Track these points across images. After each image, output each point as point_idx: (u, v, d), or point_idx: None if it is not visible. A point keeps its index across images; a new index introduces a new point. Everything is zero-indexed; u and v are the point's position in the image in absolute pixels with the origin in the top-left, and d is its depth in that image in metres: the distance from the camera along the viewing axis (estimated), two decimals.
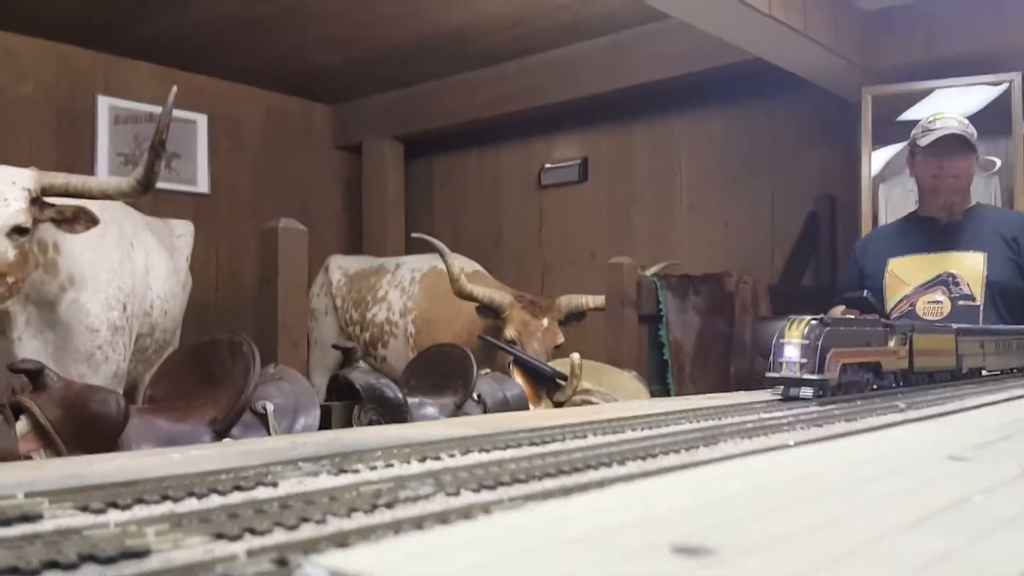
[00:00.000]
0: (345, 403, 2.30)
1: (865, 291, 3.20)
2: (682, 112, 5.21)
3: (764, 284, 4.43)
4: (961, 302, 3.15)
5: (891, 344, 1.98)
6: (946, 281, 3.18)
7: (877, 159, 4.17)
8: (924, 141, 3.22)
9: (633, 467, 1.05)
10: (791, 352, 1.71)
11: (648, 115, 5.33)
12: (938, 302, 3.16)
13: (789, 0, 3.58)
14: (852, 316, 3.25)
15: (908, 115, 3.97)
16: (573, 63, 5.07)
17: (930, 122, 3.22)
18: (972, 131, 3.17)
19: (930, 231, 3.29)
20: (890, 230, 3.55)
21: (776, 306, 4.21)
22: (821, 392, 1.70)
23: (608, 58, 4.93)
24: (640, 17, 4.54)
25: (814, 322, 1.73)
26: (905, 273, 3.28)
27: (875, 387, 1.93)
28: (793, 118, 4.81)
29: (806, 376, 1.69)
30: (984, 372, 2.52)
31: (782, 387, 1.75)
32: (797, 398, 1.69)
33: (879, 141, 4.13)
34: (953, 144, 3.15)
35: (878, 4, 4.13)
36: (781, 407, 1.61)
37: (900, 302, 3.25)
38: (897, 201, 3.87)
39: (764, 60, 4.04)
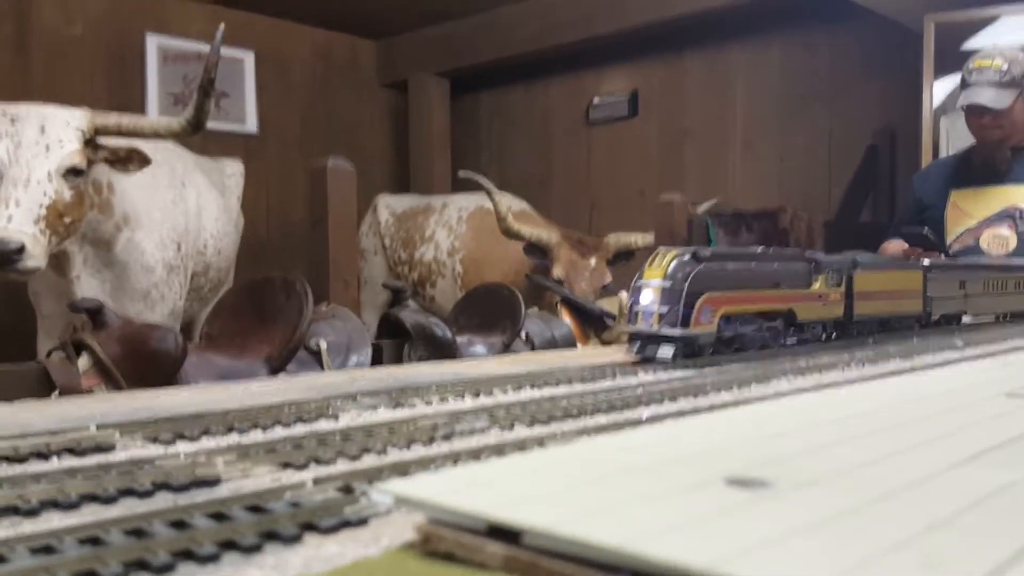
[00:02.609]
0: (396, 341, 2.34)
1: (925, 227, 3.13)
2: (738, 42, 5.07)
3: (820, 220, 4.35)
4: None
5: (816, 285, 1.57)
6: (1012, 215, 3.09)
7: (939, 90, 4.03)
8: (959, 101, 3.13)
9: (685, 403, 1.05)
10: (648, 298, 1.34)
11: (702, 45, 5.20)
12: (1004, 236, 3.08)
13: None
14: (905, 251, 3.21)
15: (972, 43, 3.82)
16: None
17: (968, 72, 3.10)
18: (1014, 72, 3.03)
19: (994, 163, 3.19)
20: (951, 162, 3.45)
21: (832, 243, 4.14)
22: (687, 352, 1.34)
23: None
24: None
25: (684, 256, 1.35)
26: (969, 205, 3.19)
27: (785, 343, 1.53)
28: (854, 47, 4.66)
29: (665, 331, 1.32)
30: (967, 319, 2.10)
31: (638, 345, 1.37)
32: (653, 359, 1.33)
33: (942, 71, 3.99)
34: (983, 107, 3.04)
35: None
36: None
37: (963, 235, 3.17)
38: (960, 133, 3.74)
39: None
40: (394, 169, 6.31)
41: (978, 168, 3.23)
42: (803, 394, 1.09)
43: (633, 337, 1.38)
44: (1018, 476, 0.58)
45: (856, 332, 1.70)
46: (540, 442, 0.82)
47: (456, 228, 4.60)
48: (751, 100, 5.09)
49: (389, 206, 5.00)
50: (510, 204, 3.94)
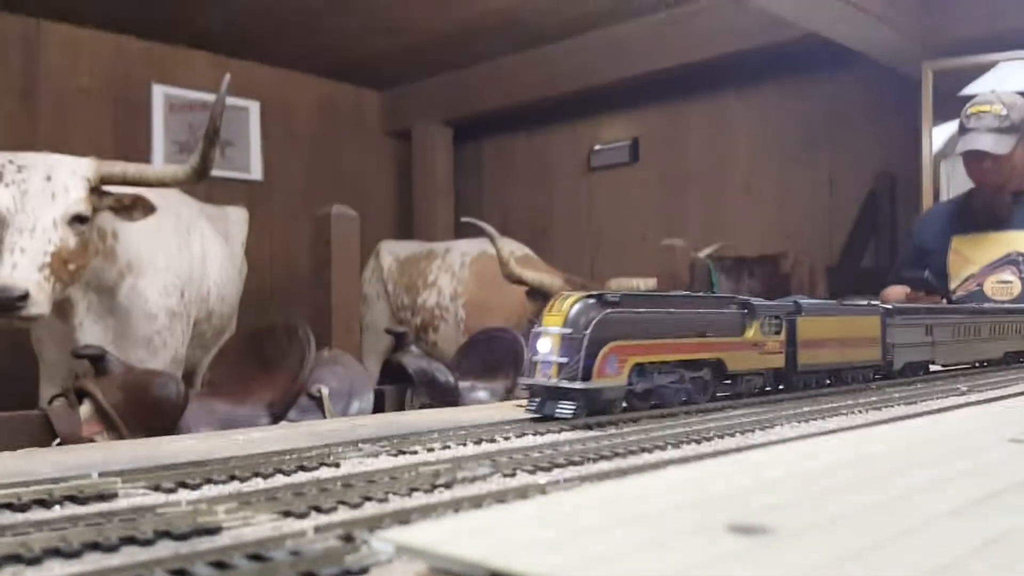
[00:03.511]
0: (398, 387, 2.33)
1: (926, 271, 3.12)
2: (737, 89, 5.14)
3: (821, 265, 4.36)
4: None
5: (750, 333, 1.43)
6: (1016, 260, 3.09)
7: (939, 135, 4.07)
8: (958, 148, 3.15)
9: (688, 450, 1.05)
10: (546, 347, 1.21)
11: (701, 93, 5.26)
12: (1008, 282, 3.06)
13: None
14: (908, 296, 3.20)
15: (970, 89, 3.87)
16: (623, 42, 5.02)
17: (967, 117, 3.11)
18: (1013, 117, 3.05)
19: (994, 209, 3.20)
20: (951, 207, 3.46)
21: (834, 288, 4.15)
22: (592, 408, 1.20)
23: (659, 36, 4.88)
24: None
25: (587, 301, 1.22)
26: (970, 251, 3.19)
27: (714, 396, 1.40)
28: (852, 94, 4.72)
29: (563, 384, 1.18)
30: (936, 367, 1.90)
31: (537, 400, 1.23)
32: (552, 417, 1.20)
33: (941, 117, 4.03)
34: (984, 153, 3.06)
35: None
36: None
37: (966, 281, 3.16)
38: (960, 178, 3.77)
39: (821, 35, 3.96)
40: (397, 216, 6.35)
41: (979, 213, 3.23)
42: (802, 440, 1.08)
43: (532, 391, 1.24)
44: (1022, 522, 0.57)
45: (802, 384, 1.56)
46: (542, 490, 0.81)
47: (459, 273, 4.62)
48: (751, 146, 5.14)
49: (392, 252, 5.02)
50: (513, 249, 3.96)
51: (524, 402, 1.28)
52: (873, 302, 1.84)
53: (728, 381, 1.43)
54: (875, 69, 4.34)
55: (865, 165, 4.64)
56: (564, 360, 1.18)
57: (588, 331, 1.18)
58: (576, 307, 1.21)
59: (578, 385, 1.17)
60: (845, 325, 1.64)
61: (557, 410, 1.19)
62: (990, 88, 3.32)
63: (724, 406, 1.37)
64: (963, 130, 3.13)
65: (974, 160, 3.13)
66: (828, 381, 1.63)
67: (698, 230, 4.97)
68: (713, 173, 5.27)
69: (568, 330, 1.19)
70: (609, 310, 1.21)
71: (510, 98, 5.62)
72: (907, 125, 4.25)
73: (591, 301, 1.21)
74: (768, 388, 1.53)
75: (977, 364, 2.07)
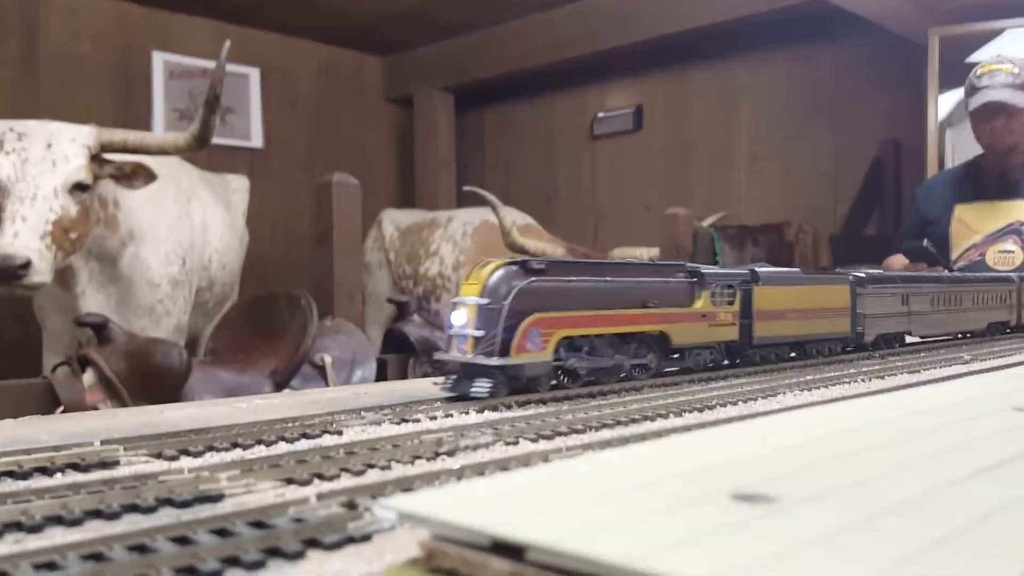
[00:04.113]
0: (400, 356, 2.34)
1: (925, 240, 3.10)
2: (742, 56, 5.08)
3: (825, 234, 4.34)
4: None
5: (699, 303, 1.34)
6: (1018, 230, 3.07)
7: (944, 102, 4.03)
8: (970, 105, 3.10)
9: (690, 418, 1.05)
10: (461, 319, 1.11)
11: (706, 60, 5.21)
12: (1010, 251, 3.05)
13: None
14: (907, 267, 3.19)
15: (976, 56, 3.83)
16: (627, 7, 4.96)
17: (977, 77, 3.07)
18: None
19: (999, 177, 3.17)
20: (956, 175, 3.43)
21: (838, 257, 4.13)
22: (512, 387, 1.11)
23: (663, 1, 4.82)
24: None
25: (511, 267, 1.13)
26: (974, 220, 3.17)
27: (659, 372, 1.30)
28: (858, 61, 4.67)
29: (479, 360, 1.09)
30: (912, 338, 1.84)
31: (453, 378, 1.14)
32: (467, 397, 1.10)
33: (946, 84, 3.99)
34: (1001, 104, 3.02)
35: None
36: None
37: (968, 251, 3.15)
38: (966, 146, 3.74)
39: (827, 1, 3.91)
40: (399, 184, 6.32)
41: (984, 181, 3.21)
42: (809, 408, 1.08)
43: (447, 369, 1.14)
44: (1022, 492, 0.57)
45: (759, 358, 1.47)
46: (545, 457, 0.81)
47: (461, 243, 4.61)
48: (756, 114, 5.09)
49: (394, 221, 5.01)
50: (515, 218, 3.95)
51: (441, 379, 1.17)
52: (872, 271, 1.79)
53: (676, 355, 1.34)
54: (881, 36, 4.29)
55: (870, 133, 4.60)
56: (480, 334, 1.08)
57: (507, 302, 1.08)
58: (496, 275, 1.11)
59: (495, 361, 1.07)
60: (809, 295, 1.54)
61: (472, 389, 1.09)
62: (997, 54, 3.28)
63: (708, 378, 1.35)
64: (973, 90, 3.09)
65: (986, 118, 3.09)
66: (792, 355, 1.54)
67: (702, 199, 4.95)
68: (717, 141, 5.23)
69: (486, 300, 1.09)
70: (533, 279, 1.12)
71: (513, 64, 5.57)
72: (913, 93, 4.21)
73: (513, 268, 1.12)
74: (722, 363, 1.43)
75: (959, 336, 1.98)
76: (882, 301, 1.67)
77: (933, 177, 3.77)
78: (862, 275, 1.64)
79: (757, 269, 1.47)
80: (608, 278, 1.23)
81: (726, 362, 1.45)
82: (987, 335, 2.04)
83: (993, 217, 3.13)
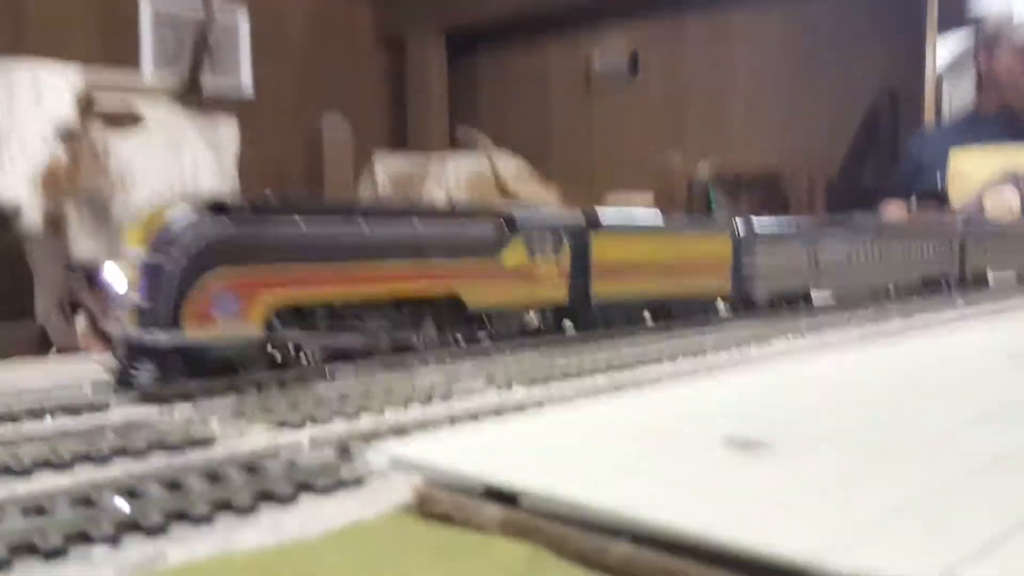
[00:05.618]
0: None
1: (939, 182, 3.04)
2: (739, 2, 5.01)
3: (821, 181, 4.32)
4: None
5: (508, 256, 1.03)
6: (1018, 176, 3.03)
7: (942, 50, 3.98)
8: (1020, 39, 3.03)
9: (684, 364, 1.05)
10: (120, 280, 0.83)
11: (703, 5, 5.13)
12: (1008, 200, 3.01)
13: None
14: (910, 215, 3.17)
15: (980, 4, 3.76)
16: None
17: (1020, 16, 3.01)
18: None
19: (1000, 122, 3.12)
20: (952, 124, 3.39)
21: (833, 203, 4.12)
22: (192, 371, 0.80)
23: None
24: None
25: (188, 214, 0.81)
26: (971, 166, 3.13)
27: (455, 343, 1.00)
28: (855, 8, 4.59)
29: (144, 337, 0.79)
30: (819, 299, 1.52)
31: (122, 358, 0.83)
32: (129, 384, 0.81)
33: (945, 30, 3.93)
34: None
35: None
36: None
37: (966, 199, 3.11)
38: (964, 94, 3.69)
39: None
40: (391, 126, 6.26)
41: (981, 127, 3.17)
42: (803, 357, 1.08)
43: (118, 346, 0.84)
44: (1014, 441, 0.57)
45: (602, 322, 1.18)
46: (538, 403, 0.81)
47: (453, 188, 4.57)
48: (752, 60, 5.03)
49: (386, 166, 4.97)
50: (508, 164, 3.92)
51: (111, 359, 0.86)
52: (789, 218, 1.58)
53: (475, 323, 1.03)
54: None
55: (868, 80, 4.55)
56: (146, 302, 0.79)
57: (186, 259, 0.78)
58: (172, 220, 0.80)
59: (162, 338, 0.78)
60: (673, 246, 1.25)
61: (134, 377, 0.80)
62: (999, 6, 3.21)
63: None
64: (1005, 33, 3.02)
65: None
66: (649, 319, 1.26)
67: (698, 146, 4.90)
68: (714, 88, 5.17)
69: (154, 257, 0.79)
70: (228, 223, 0.81)
71: (507, 6, 5.47)
72: (910, 40, 4.16)
73: (193, 216, 0.81)
74: (545, 329, 1.14)
75: (884, 292, 1.69)
76: (780, 254, 1.41)
77: (926, 126, 3.74)
78: (752, 222, 1.38)
79: (599, 214, 1.17)
80: (362, 223, 0.90)
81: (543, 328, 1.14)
82: (920, 292, 1.76)
83: (992, 162, 3.10)
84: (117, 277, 0.83)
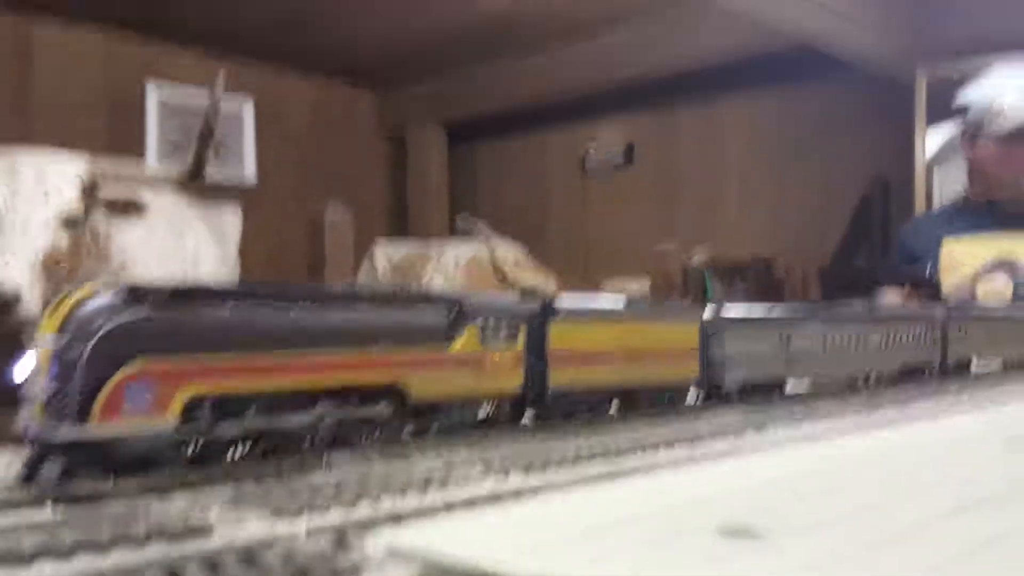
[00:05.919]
0: None
1: (927, 269, 3.07)
2: (730, 95, 5.15)
3: (813, 270, 4.37)
4: None
5: (458, 343, 1.01)
6: (1010, 264, 3.05)
7: (932, 140, 4.07)
8: (999, 128, 3.09)
9: (680, 452, 1.05)
10: (27, 368, 0.79)
11: (695, 99, 5.28)
12: (999, 288, 3.03)
13: None
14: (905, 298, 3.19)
15: (965, 94, 3.87)
16: (618, 48, 5.02)
17: (999, 105, 3.07)
18: None
19: (990, 212, 3.16)
20: (942, 212, 3.45)
21: (827, 291, 4.15)
22: (105, 470, 0.76)
23: (653, 42, 4.88)
24: (686, 0, 4.49)
25: (102, 297, 0.78)
26: (963, 255, 3.16)
27: (397, 435, 0.97)
28: (845, 99, 4.72)
29: (46, 433, 0.75)
30: (793, 388, 1.47)
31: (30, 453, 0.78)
32: (33, 479, 0.75)
33: (934, 122, 4.03)
34: None
35: None
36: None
37: (957, 286, 3.13)
38: (954, 183, 3.76)
39: (813, 46, 3.97)
40: (392, 218, 6.35)
41: (972, 216, 3.21)
42: (796, 444, 1.08)
43: (25, 440, 0.79)
44: (1011, 526, 0.57)
45: (561, 413, 1.15)
46: (535, 491, 0.81)
47: (453, 275, 4.61)
48: (744, 151, 5.15)
49: (387, 254, 5.02)
50: (507, 251, 3.96)
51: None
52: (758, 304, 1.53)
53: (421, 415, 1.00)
54: (867, 74, 4.35)
55: (858, 170, 4.65)
56: (52, 391, 0.75)
57: (92, 343, 0.74)
58: (86, 305, 0.77)
59: (63, 432, 0.73)
60: (636, 333, 1.22)
61: (40, 474, 0.75)
62: (985, 92, 3.30)
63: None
64: (998, 116, 3.08)
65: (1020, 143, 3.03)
66: (612, 408, 1.24)
67: (692, 234, 4.97)
68: (707, 178, 5.28)
69: (63, 341, 0.75)
70: (144, 309, 0.77)
71: (505, 102, 5.63)
72: (900, 130, 4.26)
73: (107, 298, 0.77)
74: (498, 420, 1.12)
75: (861, 381, 1.64)
76: (750, 341, 1.36)
77: (916, 216, 3.80)
78: (720, 309, 1.36)
79: (556, 302, 1.16)
80: (299, 308, 0.88)
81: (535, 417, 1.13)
82: (900, 380, 1.71)
83: (983, 251, 3.12)
84: (27, 367, 0.78)
